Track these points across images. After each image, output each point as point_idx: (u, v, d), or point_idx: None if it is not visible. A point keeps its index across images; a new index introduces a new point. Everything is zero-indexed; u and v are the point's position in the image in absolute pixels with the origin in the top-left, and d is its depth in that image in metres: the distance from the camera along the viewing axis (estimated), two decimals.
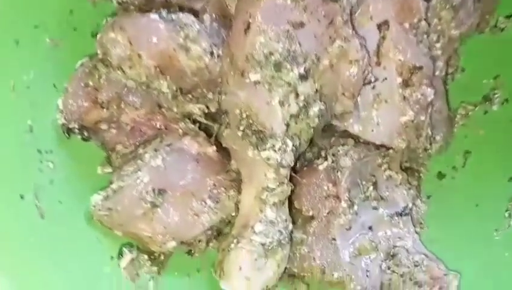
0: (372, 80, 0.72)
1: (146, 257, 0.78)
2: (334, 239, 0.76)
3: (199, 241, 0.80)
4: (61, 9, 0.77)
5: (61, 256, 0.71)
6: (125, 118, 0.79)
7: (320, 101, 0.69)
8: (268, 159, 0.69)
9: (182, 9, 0.72)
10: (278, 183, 0.70)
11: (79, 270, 0.72)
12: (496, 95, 0.78)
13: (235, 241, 0.71)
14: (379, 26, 0.70)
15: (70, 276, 0.71)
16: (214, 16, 0.74)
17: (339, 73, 0.69)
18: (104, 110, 0.76)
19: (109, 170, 0.79)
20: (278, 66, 0.65)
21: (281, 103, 0.67)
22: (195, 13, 0.74)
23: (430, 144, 0.79)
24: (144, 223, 0.73)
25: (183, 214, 0.73)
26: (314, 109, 0.68)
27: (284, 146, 0.69)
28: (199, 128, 0.79)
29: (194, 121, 0.80)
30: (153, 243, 0.74)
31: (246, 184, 0.73)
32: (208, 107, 0.79)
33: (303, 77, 0.66)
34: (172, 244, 0.74)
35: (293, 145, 0.70)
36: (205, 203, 0.74)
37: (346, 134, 0.80)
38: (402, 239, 0.77)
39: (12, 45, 0.71)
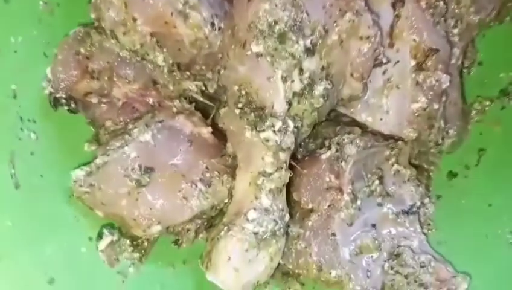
0: (384, 61, 0.67)
1: (128, 241, 0.72)
2: (334, 234, 0.70)
3: (188, 230, 0.74)
4: None
5: (34, 231, 0.66)
6: (117, 93, 0.74)
7: (327, 80, 0.64)
8: (267, 140, 0.64)
9: None
10: (275, 168, 0.65)
11: (52, 249, 0.67)
12: None
13: (225, 229, 0.66)
14: (394, 4, 0.66)
15: (42, 253, 0.66)
16: None
17: (348, 50, 0.64)
18: (95, 80, 0.72)
19: (96, 147, 0.74)
20: (282, 37, 0.60)
21: (284, 79, 0.62)
22: None
23: (443, 138, 0.73)
24: (128, 203, 0.67)
25: (171, 196, 0.68)
26: (319, 88, 0.63)
27: (285, 126, 0.64)
28: (195, 108, 0.74)
29: (190, 101, 0.75)
30: (136, 226, 0.68)
31: (241, 169, 0.68)
32: (205, 87, 0.75)
33: (309, 51, 0.61)
34: (157, 228, 0.68)
35: (295, 126, 0.64)
36: (196, 186, 0.68)
37: (353, 123, 0.75)
38: (407, 239, 0.71)
39: (1, 2, 0.67)
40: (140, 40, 0.67)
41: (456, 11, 0.70)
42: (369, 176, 0.72)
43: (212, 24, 0.67)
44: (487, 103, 0.77)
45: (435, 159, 0.79)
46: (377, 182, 0.72)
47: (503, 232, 0.70)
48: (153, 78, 0.74)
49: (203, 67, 0.74)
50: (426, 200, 0.74)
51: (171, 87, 0.74)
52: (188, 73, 0.74)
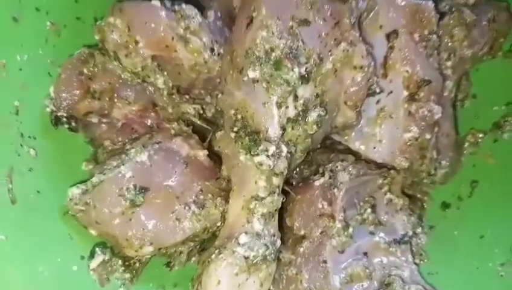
0: (377, 91, 0.68)
1: (120, 261, 0.72)
2: (325, 262, 0.69)
3: (180, 252, 0.75)
4: None
5: (28, 247, 0.66)
6: (117, 113, 0.76)
7: (321, 107, 0.65)
8: (260, 164, 0.65)
9: (188, 2, 0.70)
10: (268, 193, 0.66)
11: (45, 266, 0.67)
12: (507, 123, 0.75)
13: (216, 252, 0.66)
14: (388, 36, 0.68)
15: (35, 270, 0.66)
16: (219, 14, 0.72)
17: (342, 79, 0.65)
18: (96, 101, 0.74)
19: (94, 166, 0.75)
20: (278, 64, 0.62)
21: (279, 105, 0.63)
22: (201, 9, 0.72)
23: (435, 169, 0.74)
24: (121, 222, 0.67)
25: (164, 217, 0.68)
26: (313, 115, 0.65)
27: (278, 151, 0.64)
28: (193, 131, 0.76)
29: (188, 124, 0.76)
30: (128, 246, 0.69)
31: (235, 192, 0.68)
32: (203, 110, 0.76)
33: (304, 78, 0.63)
34: (149, 249, 0.69)
35: (288, 152, 0.65)
36: (189, 208, 0.69)
37: (347, 150, 0.76)
38: (398, 268, 0.70)
39: (10, 21, 0.69)
40: (141, 62, 0.69)
41: (449, 44, 0.72)
42: (361, 204, 0.72)
43: (212, 49, 0.69)
44: (480, 135, 0.78)
45: (428, 189, 0.79)
46: (369, 210, 0.72)
47: (494, 264, 0.70)
48: (152, 100, 0.76)
49: (202, 91, 0.76)
50: (419, 230, 0.74)
51: (170, 110, 0.75)
52: (187, 96, 0.76)
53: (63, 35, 0.76)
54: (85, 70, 0.73)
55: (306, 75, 0.63)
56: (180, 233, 0.69)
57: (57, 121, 0.74)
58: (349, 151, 0.75)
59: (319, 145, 0.74)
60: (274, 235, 0.67)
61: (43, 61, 0.73)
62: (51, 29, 0.74)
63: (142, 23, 0.65)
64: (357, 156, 0.74)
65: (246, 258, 0.64)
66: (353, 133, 0.73)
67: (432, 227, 0.77)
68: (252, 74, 0.63)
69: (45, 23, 0.73)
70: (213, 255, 0.65)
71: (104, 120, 0.76)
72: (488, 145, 0.77)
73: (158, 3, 0.65)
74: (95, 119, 0.76)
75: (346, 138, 0.74)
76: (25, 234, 0.66)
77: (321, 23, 0.62)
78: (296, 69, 0.62)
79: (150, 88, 0.74)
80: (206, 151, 0.73)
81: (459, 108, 0.80)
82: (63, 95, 0.72)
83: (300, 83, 0.63)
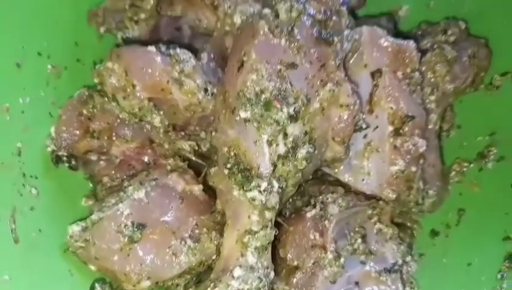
0: (364, 126, 0.71)
1: None
2: None
3: (177, 285, 0.76)
4: (66, 40, 0.79)
5: (30, 286, 0.68)
6: (115, 151, 0.79)
7: (309, 144, 0.68)
8: (253, 199, 0.67)
9: (183, 47, 0.74)
10: (261, 227, 0.68)
11: None
12: (491, 153, 0.77)
13: (211, 285, 0.68)
14: (372, 74, 0.71)
15: None
16: (212, 55, 0.76)
17: (329, 117, 0.68)
18: (95, 140, 0.77)
19: (93, 202, 0.78)
20: (267, 105, 0.65)
21: (269, 143, 0.66)
22: (195, 52, 0.76)
23: (423, 198, 0.77)
24: (120, 258, 0.70)
25: (161, 252, 0.70)
26: (303, 151, 0.67)
27: (270, 187, 0.67)
28: (188, 166, 0.79)
29: (184, 159, 0.79)
30: (127, 281, 0.71)
31: (229, 226, 0.71)
32: (198, 146, 0.79)
33: (292, 118, 0.66)
34: (146, 283, 0.71)
35: (279, 187, 0.68)
36: (185, 242, 0.71)
37: (337, 182, 0.78)
38: None
39: (13, 67, 0.72)
40: (138, 104, 0.72)
41: (432, 80, 0.76)
42: (352, 234, 0.74)
43: (206, 90, 0.72)
44: (465, 164, 0.80)
45: (417, 218, 0.82)
46: (359, 240, 0.74)
47: None
48: (149, 137, 0.79)
49: (197, 128, 0.79)
50: (408, 258, 0.76)
51: (166, 146, 0.78)
52: (182, 133, 0.79)
53: (64, 77, 0.79)
54: (85, 111, 0.76)
55: (295, 115, 0.66)
56: (177, 267, 0.71)
57: (57, 160, 0.77)
58: (339, 182, 0.78)
59: (310, 177, 0.77)
60: (267, 268, 0.69)
61: (44, 103, 0.76)
62: (51, 72, 0.77)
63: (139, 68, 0.68)
64: (346, 187, 0.77)
65: None
66: (342, 166, 0.76)
67: (422, 255, 0.80)
68: (243, 114, 0.66)
69: (46, 67, 0.77)
70: (208, 289, 0.67)
71: (103, 157, 0.79)
72: (473, 174, 0.79)
73: (153, 49, 0.69)
74: (94, 157, 0.79)
75: (336, 170, 0.76)
76: (27, 272, 0.68)
77: (308, 66, 0.65)
78: (285, 110, 0.65)
79: (147, 126, 0.77)
80: (201, 186, 0.76)
81: (445, 138, 0.83)
82: (64, 135, 0.76)
83: (289, 122, 0.66)
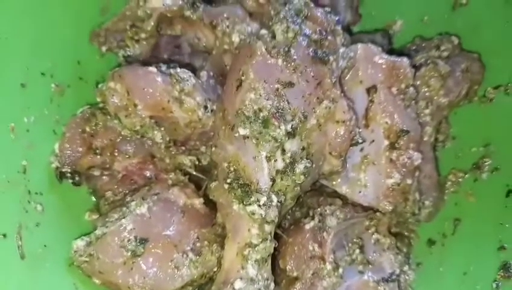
0: (360, 141, 0.73)
1: None
2: None
3: None
4: (69, 60, 0.81)
5: None
6: (118, 166, 0.81)
7: (307, 159, 0.70)
8: (253, 213, 0.69)
9: (182, 65, 0.76)
10: (261, 240, 0.70)
11: None
12: (486, 163, 0.79)
13: None
14: (368, 90, 0.73)
15: None
16: (211, 73, 0.78)
17: (326, 132, 0.70)
18: (98, 156, 0.79)
19: (97, 216, 0.80)
20: (266, 122, 0.67)
21: (268, 158, 0.68)
22: (195, 70, 0.78)
23: (419, 209, 0.79)
24: (123, 272, 0.71)
25: (163, 265, 0.72)
26: (300, 166, 0.69)
27: (269, 201, 0.69)
28: (189, 180, 0.81)
29: (185, 173, 0.81)
30: None
31: (229, 239, 0.73)
32: (199, 160, 0.81)
33: (290, 134, 0.68)
34: None
35: (278, 201, 0.70)
36: (187, 255, 0.73)
37: (334, 194, 0.80)
38: None
39: (18, 87, 0.74)
40: (140, 122, 0.74)
41: (427, 94, 0.77)
42: (350, 245, 0.76)
43: (206, 107, 0.74)
44: (461, 175, 0.82)
45: (414, 227, 0.83)
46: (357, 251, 0.76)
47: None
48: (151, 152, 0.81)
49: (197, 142, 0.80)
50: (406, 268, 0.78)
51: (168, 161, 0.80)
52: (183, 148, 0.80)
53: (67, 95, 0.81)
54: (88, 129, 0.78)
55: (292, 131, 0.68)
56: (179, 280, 0.72)
57: (61, 176, 0.79)
58: (336, 194, 0.80)
59: (309, 188, 0.79)
60: (267, 280, 0.71)
61: (48, 121, 0.78)
62: (55, 91, 0.79)
63: (140, 88, 0.70)
64: (344, 199, 0.79)
65: None
66: (339, 179, 0.77)
67: (419, 264, 0.81)
68: (242, 131, 0.68)
69: (50, 86, 0.79)
70: None
71: (106, 173, 0.81)
72: (468, 185, 0.81)
73: (154, 70, 0.71)
74: (97, 173, 0.81)
75: (333, 182, 0.78)
76: (34, 287, 0.69)
77: (304, 84, 0.67)
78: (283, 127, 0.67)
79: (148, 142, 0.79)
80: (202, 200, 0.78)
81: (440, 148, 0.84)
82: (68, 152, 0.77)
83: (287, 138, 0.68)
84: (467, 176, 0.82)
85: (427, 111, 0.78)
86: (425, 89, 0.77)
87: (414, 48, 0.83)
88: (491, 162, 0.79)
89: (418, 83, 0.77)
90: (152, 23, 0.75)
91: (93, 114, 0.78)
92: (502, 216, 0.76)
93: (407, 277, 0.78)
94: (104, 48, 0.82)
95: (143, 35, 0.77)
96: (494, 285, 0.72)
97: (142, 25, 0.76)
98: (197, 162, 0.80)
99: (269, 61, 0.67)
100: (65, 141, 0.78)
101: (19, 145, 0.74)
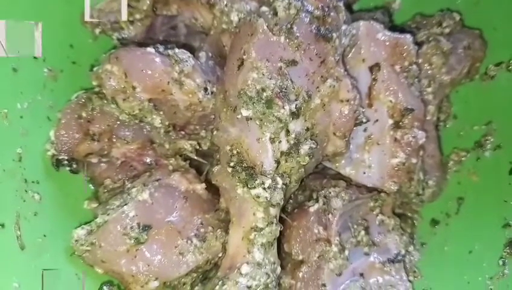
0: (364, 120, 0.72)
1: None
2: (324, 285, 0.73)
3: (183, 284, 0.77)
4: (61, 44, 0.79)
5: None
6: (116, 152, 0.78)
7: (311, 139, 0.69)
8: (257, 197, 0.68)
9: (179, 46, 0.74)
10: (266, 223, 0.69)
11: None
12: (488, 141, 0.79)
13: (220, 283, 0.68)
14: (371, 69, 0.72)
15: None
16: (210, 54, 0.76)
17: (330, 112, 0.69)
18: (95, 142, 0.76)
19: (96, 205, 0.78)
20: (269, 103, 0.66)
21: (272, 140, 0.67)
22: (193, 51, 0.76)
23: (423, 189, 0.78)
24: (127, 260, 0.70)
25: (168, 252, 0.71)
26: (305, 147, 0.68)
27: (274, 184, 0.68)
28: (190, 165, 0.79)
29: (185, 159, 0.79)
30: (135, 282, 0.71)
31: (234, 224, 0.71)
32: (199, 145, 0.79)
33: (294, 114, 0.66)
34: (154, 284, 0.71)
35: (283, 183, 0.69)
36: (191, 241, 0.72)
37: (338, 176, 0.79)
38: (394, 287, 0.74)
39: (10, 72, 0.72)
40: (139, 105, 0.72)
41: (429, 72, 0.77)
42: (355, 227, 0.76)
43: (206, 89, 0.72)
44: (463, 154, 0.82)
45: (417, 208, 0.83)
46: (363, 232, 0.75)
47: (483, 278, 0.73)
48: (150, 138, 0.79)
49: (197, 127, 0.79)
50: (411, 248, 0.78)
51: (167, 146, 0.78)
52: (182, 132, 0.79)
53: (60, 80, 0.78)
54: (84, 114, 0.75)
55: (296, 112, 0.66)
56: (184, 267, 0.71)
57: (58, 163, 0.77)
58: (340, 176, 0.79)
59: (312, 170, 0.78)
60: (274, 263, 0.70)
61: (42, 107, 0.76)
62: (48, 75, 0.77)
63: (138, 69, 0.68)
64: (348, 181, 0.78)
65: (249, 287, 0.67)
66: (343, 160, 0.76)
67: (424, 244, 0.81)
68: (245, 112, 0.66)
69: (43, 70, 0.76)
70: (217, 287, 0.68)
71: (104, 160, 0.79)
72: (471, 163, 0.81)
73: (152, 50, 0.69)
74: (94, 159, 0.78)
75: (337, 164, 0.77)
76: (35, 278, 0.68)
77: (308, 62, 0.65)
78: (287, 107, 0.66)
79: (147, 127, 0.77)
80: (204, 185, 0.76)
81: (442, 128, 0.84)
82: (64, 139, 0.75)
83: (291, 119, 0.66)
84: (469, 154, 0.81)
85: (429, 89, 0.77)
86: (428, 67, 0.77)
87: (415, 25, 0.82)
88: (493, 140, 0.79)
89: (420, 60, 0.76)
90: (148, 3, 0.72)
91: (89, 99, 0.76)
92: (506, 194, 0.76)
93: (412, 258, 0.78)
94: (97, 31, 0.79)
95: (138, 16, 0.75)
96: (501, 262, 0.72)
97: (137, 5, 0.73)
98: (197, 147, 0.79)
99: (271, 39, 0.65)
100: (61, 128, 0.75)
101: (13, 132, 0.72)
